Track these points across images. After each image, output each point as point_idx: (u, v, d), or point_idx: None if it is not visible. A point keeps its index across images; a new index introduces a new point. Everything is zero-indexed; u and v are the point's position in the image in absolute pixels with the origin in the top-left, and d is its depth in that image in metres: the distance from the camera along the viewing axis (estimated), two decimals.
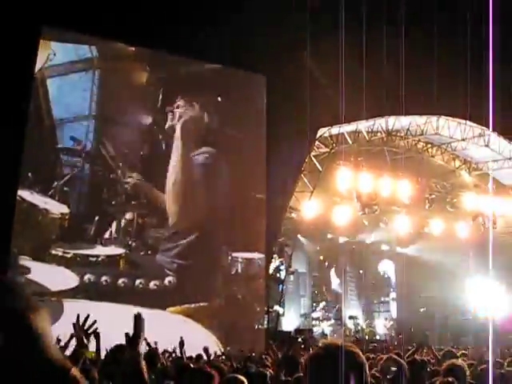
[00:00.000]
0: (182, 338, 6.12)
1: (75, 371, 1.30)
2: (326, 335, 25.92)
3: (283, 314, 24.71)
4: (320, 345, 2.13)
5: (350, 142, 22.49)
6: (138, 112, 19.79)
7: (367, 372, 2.03)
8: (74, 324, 4.33)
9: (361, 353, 2.09)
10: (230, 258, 20.64)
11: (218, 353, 14.75)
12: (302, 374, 2.15)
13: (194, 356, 10.07)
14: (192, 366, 5.45)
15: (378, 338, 27.11)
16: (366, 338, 25.58)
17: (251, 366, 6.77)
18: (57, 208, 18.37)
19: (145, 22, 17.62)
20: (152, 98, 20.07)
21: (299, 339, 21.20)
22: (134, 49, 20.34)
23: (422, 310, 28.89)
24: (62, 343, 6.82)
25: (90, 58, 19.59)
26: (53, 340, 1.30)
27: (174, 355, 11.07)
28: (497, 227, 24.45)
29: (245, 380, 4.13)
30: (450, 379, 4.39)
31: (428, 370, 4.97)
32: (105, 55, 19.92)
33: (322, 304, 28.05)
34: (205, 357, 9.75)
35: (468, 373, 5.49)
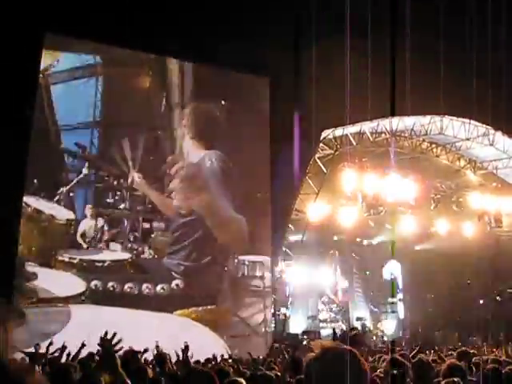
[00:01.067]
0: (186, 343, 6.14)
1: (33, 381, 1.31)
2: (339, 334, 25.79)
3: (290, 317, 24.66)
4: (321, 348, 2.14)
5: (355, 144, 22.46)
6: (141, 117, 19.82)
7: (367, 374, 2.05)
8: (102, 340, 4.16)
9: (360, 355, 2.10)
10: (236, 260, 20.66)
11: (225, 356, 14.73)
12: (303, 376, 2.17)
13: (202, 360, 10.08)
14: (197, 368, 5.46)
15: (385, 339, 27.02)
16: (374, 338, 25.50)
17: (258, 369, 6.78)
18: (63, 214, 18.44)
19: (146, 28, 17.69)
20: (155, 103, 20.12)
21: (305, 341, 21.14)
22: (136, 54, 20.40)
23: (430, 310, 28.78)
24: (67, 350, 6.81)
25: (93, 64, 19.68)
26: (12, 351, 1.33)
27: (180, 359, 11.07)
28: (502, 226, 24.37)
29: (243, 382, 4.15)
30: (456, 379, 4.37)
31: (433, 370, 4.96)
32: (108, 61, 19.99)
33: (321, 306, 27.94)
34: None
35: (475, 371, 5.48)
